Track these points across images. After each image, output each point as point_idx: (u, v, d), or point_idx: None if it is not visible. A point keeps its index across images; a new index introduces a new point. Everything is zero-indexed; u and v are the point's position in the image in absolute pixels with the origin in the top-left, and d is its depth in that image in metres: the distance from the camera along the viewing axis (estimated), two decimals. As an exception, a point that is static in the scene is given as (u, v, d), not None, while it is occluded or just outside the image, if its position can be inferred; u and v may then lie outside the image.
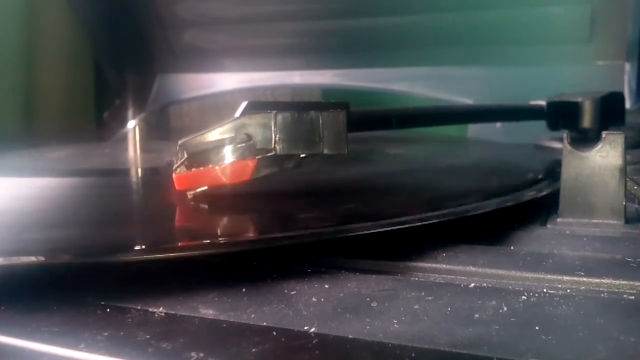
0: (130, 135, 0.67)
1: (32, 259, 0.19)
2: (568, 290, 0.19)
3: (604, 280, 0.20)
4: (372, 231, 0.23)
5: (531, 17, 0.57)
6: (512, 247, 0.24)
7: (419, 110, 0.38)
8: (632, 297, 0.19)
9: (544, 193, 0.29)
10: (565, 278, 0.20)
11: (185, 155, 0.26)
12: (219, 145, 0.25)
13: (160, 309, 0.19)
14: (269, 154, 0.25)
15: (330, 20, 0.65)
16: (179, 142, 0.26)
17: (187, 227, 0.26)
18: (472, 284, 0.20)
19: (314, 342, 0.16)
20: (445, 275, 0.21)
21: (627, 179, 0.26)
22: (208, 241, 0.21)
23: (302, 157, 0.26)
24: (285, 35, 0.68)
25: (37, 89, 0.72)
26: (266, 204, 0.28)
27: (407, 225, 0.23)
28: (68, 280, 0.20)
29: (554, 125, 0.43)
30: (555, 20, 0.56)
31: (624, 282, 0.19)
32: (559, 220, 0.26)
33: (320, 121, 0.25)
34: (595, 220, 0.26)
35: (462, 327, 0.17)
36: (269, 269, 0.22)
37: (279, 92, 0.71)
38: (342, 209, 0.27)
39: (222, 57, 0.71)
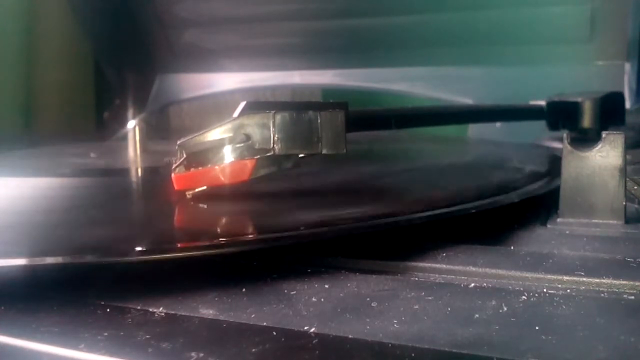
0: (130, 135, 0.67)
1: (32, 260, 0.19)
2: (568, 290, 0.19)
3: (604, 280, 0.20)
4: (369, 230, 0.23)
5: (531, 17, 0.57)
6: (512, 247, 0.24)
7: (419, 110, 0.38)
8: (632, 297, 0.19)
9: (542, 192, 0.29)
10: (565, 278, 0.20)
11: (184, 155, 0.26)
12: (218, 145, 0.25)
13: (160, 309, 0.19)
14: (267, 154, 0.25)
15: (330, 20, 0.65)
16: (178, 142, 0.26)
17: (186, 227, 0.26)
18: (472, 284, 0.20)
19: (314, 342, 0.16)
20: (445, 275, 0.21)
21: (627, 179, 0.26)
22: (207, 242, 0.21)
23: (301, 157, 0.26)
24: (285, 35, 0.68)
25: (37, 89, 0.72)
26: (265, 203, 0.28)
27: (401, 219, 0.23)
28: (68, 280, 0.20)
29: (553, 125, 0.43)
30: (555, 20, 0.56)
31: (624, 282, 0.19)
32: (559, 220, 0.26)
33: (319, 121, 0.25)
34: (595, 220, 0.26)
35: (462, 327, 0.17)
36: (269, 269, 0.22)
37: (279, 92, 0.71)
38: (341, 208, 0.27)
39: (222, 57, 0.71)
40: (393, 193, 0.31)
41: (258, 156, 0.25)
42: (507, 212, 0.27)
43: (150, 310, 0.18)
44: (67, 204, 0.30)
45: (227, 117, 0.25)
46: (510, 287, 0.20)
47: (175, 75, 0.74)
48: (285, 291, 0.20)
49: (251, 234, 0.24)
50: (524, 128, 0.44)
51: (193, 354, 0.15)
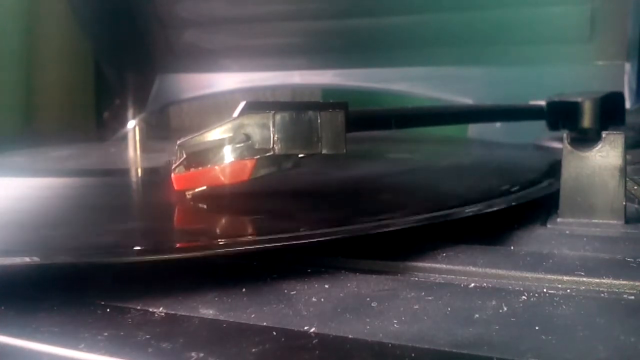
0: (130, 135, 0.67)
1: (33, 259, 0.19)
2: (568, 290, 0.19)
3: (604, 280, 0.20)
4: (371, 232, 0.23)
5: (531, 17, 0.57)
6: (512, 247, 0.24)
7: (419, 110, 0.38)
8: (632, 297, 0.19)
9: (542, 194, 0.29)
10: (565, 278, 0.20)
11: (184, 155, 0.26)
12: (218, 145, 0.25)
13: (160, 309, 0.19)
14: (267, 154, 0.25)
15: (330, 20, 0.65)
16: (178, 142, 0.26)
17: (185, 227, 0.26)
18: (472, 284, 0.20)
19: (314, 342, 0.16)
20: (445, 275, 0.21)
21: (627, 179, 0.26)
22: (207, 242, 0.21)
23: (301, 157, 0.26)
24: (285, 35, 0.68)
25: (37, 89, 0.72)
26: (265, 204, 0.27)
27: (405, 226, 0.23)
28: (68, 280, 0.20)
29: (553, 125, 0.43)
30: (555, 20, 0.56)
31: (624, 282, 0.19)
32: (559, 220, 0.26)
33: (319, 121, 0.25)
34: (595, 220, 0.26)
35: (462, 327, 0.17)
36: (269, 269, 0.22)
37: (279, 92, 0.71)
38: (342, 209, 0.27)
39: (222, 57, 0.71)
40: (392, 193, 0.31)
41: (258, 156, 0.25)
42: (507, 212, 0.27)
43: (150, 310, 0.18)
44: (66, 204, 0.30)
45: (227, 117, 0.25)
46: (510, 287, 0.20)
47: (175, 75, 0.74)
48: (285, 291, 0.20)
49: (251, 234, 0.24)
50: (524, 128, 0.44)
51: (193, 354, 0.15)
